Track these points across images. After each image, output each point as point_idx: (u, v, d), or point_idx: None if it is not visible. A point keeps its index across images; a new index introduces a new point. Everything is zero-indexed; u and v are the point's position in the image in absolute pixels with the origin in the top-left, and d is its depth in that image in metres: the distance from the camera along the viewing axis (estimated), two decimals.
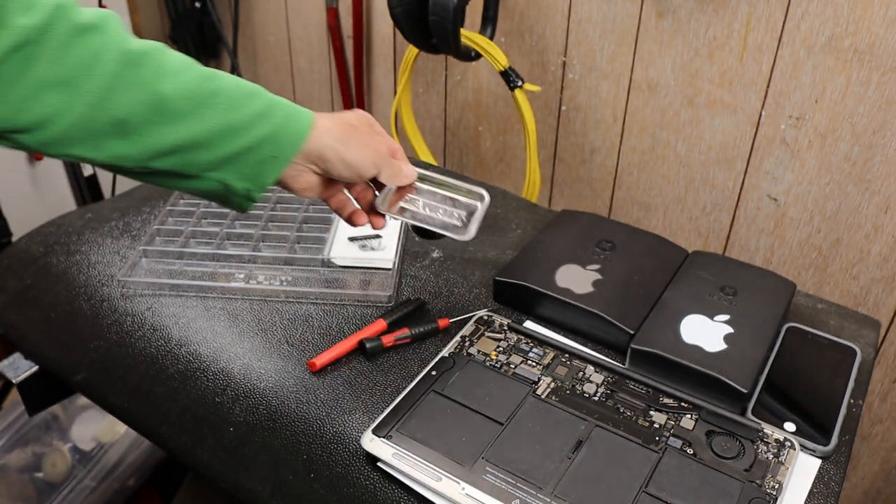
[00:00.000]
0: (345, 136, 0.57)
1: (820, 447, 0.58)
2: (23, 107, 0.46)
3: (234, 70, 1.55)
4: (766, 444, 0.57)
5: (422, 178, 0.65)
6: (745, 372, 0.61)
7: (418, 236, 0.69)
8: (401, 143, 1.39)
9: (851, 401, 0.63)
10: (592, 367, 0.64)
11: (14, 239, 1.48)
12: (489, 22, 1.11)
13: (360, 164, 0.58)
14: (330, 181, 0.60)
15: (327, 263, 0.78)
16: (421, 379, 0.62)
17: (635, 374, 0.63)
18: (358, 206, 0.64)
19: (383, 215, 0.64)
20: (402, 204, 0.64)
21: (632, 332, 0.66)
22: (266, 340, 0.68)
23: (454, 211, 0.64)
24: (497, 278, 0.73)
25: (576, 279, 0.71)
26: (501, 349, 0.66)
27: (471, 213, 0.64)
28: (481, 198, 0.65)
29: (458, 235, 0.63)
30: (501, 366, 0.64)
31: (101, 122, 0.48)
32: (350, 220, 0.64)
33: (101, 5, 1.57)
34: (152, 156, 0.51)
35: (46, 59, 0.46)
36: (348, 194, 0.64)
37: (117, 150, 0.50)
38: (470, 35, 1.05)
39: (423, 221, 0.64)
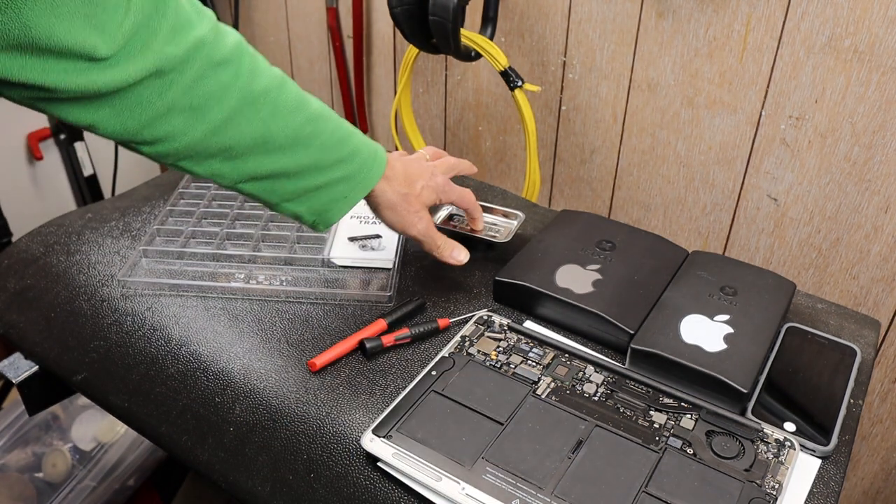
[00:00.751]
0: (394, 205, 0.64)
1: (820, 447, 0.58)
2: (150, 124, 0.51)
3: None
4: (766, 444, 0.57)
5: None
6: (745, 372, 0.61)
7: (464, 245, 0.80)
8: (401, 142, 1.40)
9: (851, 401, 0.63)
10: (592, 367, 0.64)
11: (14, 239, 1.49)
12: (489, 22, 1.11)
13: (395, 230, 0.67)
14: None
15: (327, 263, 0.78)
16: (421, 379, 0.62)
17: (635, 374, 0.63)
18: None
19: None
20: (452, 222, 0.83)
21: (632, 332, 0.66)
22: (266, 340, 0.68)
23: (493, 226, 0.83)
24: (497, 278, 0.73)
25: (576, 279, 0.71)
26: (501, 349, 0.66)
27: (509, 227, 0.83)
28: (517, 216, 0.84)
29: (497, 241, 0.80)
30: (501, 366, 0.64)
31: (211, 146, 0.54)
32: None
33: None
34: (245, 178, 0.56)
35: (181, 88, 0.50)
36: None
37: (217, 169, 0.55)
38: (470, 35, 1.05)
39: (469, 232, 0.81)
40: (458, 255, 0.71)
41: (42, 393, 0.78)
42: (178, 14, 0.49)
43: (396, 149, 1.37)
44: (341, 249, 0.80)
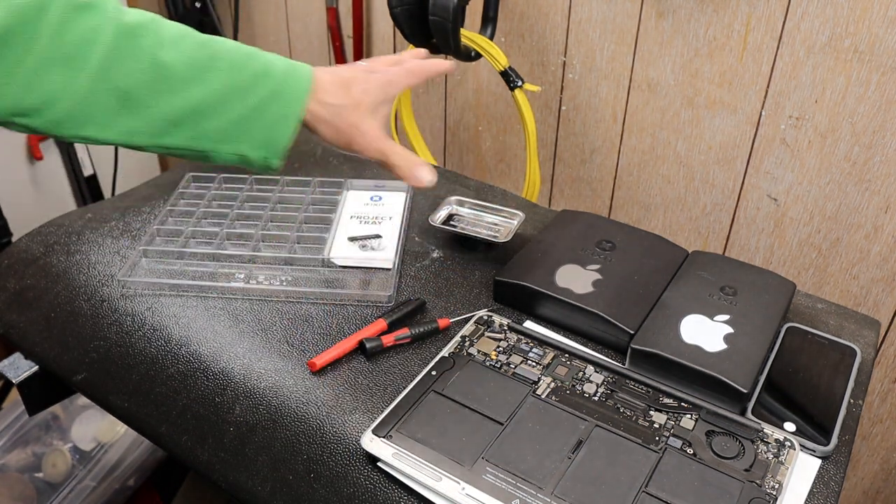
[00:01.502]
0: (328, 120, 0.56)
1: (820, 447, 0.58)
2: (28, 87, 0.47)
3: None
4: (766, 444, 0.57)
5: (468, 204, 0.85)
6: (745, 372, 0.61)
7: (463, 246, 0.82)
8: (401, 142, 1.40)
9: (851, 401, 0.63)
10: (592, 367, 0.64)
11: (14, 239, 1.49)
12: (489, 22, 1.11)
13: (339, 148, 0.59)
14: None
15: (327, 263, 0.78)
16: (421, 379, 0.62)
17: (635, 374, 0.63)
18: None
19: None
20: (452, 221, 0.83)
21: (632, 332, 0.66)
22: (266, 340, 0.68)
23: (493, 226, 0.83)
24: (497, 278, 0.73)
25: (576, 279, 0.71)
26: (501, 349, 0.66)
27: (508, 227, 0.82)
28: (517, 216, 0.83)
29: (497, 241, 0.79)
30: (501, 366, 0.64)
31: (105, 96, 0.49)
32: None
33: None
34: (162, 128, 0.51)
35: (46, 38, 0.47)
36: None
37: (127, 126, 0.50)
38: (470, 35, 1.05)
39: (468, 232, 0.80)
40: (422, 173, 0.59)
41: (42, 393, 0.78)
42: None
43: None
44: (341, 249, 0.80)
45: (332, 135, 0.58)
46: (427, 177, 0.60)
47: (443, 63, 0.66)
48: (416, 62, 0.64)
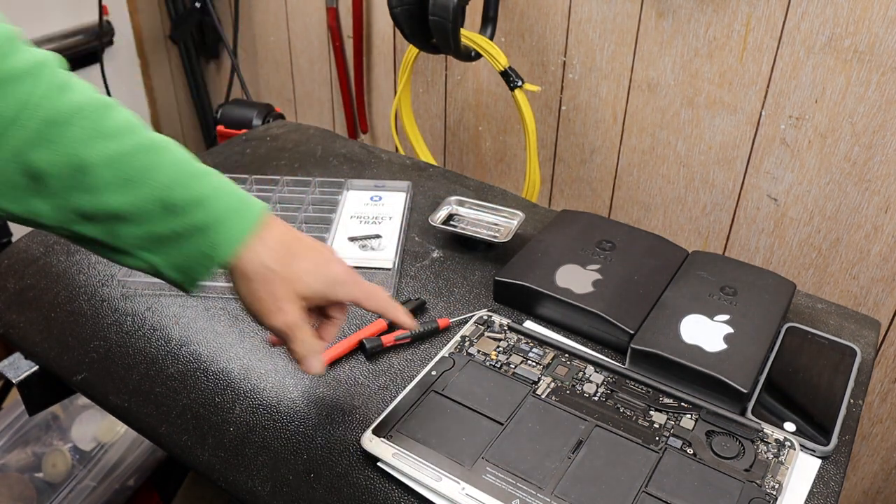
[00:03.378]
0: (251, 278, 0.50)
1: (820, 447, 0.58)
2: None
3: (235, 70, 1.56)
4: (766, 444, 0.57)
5: (468, 204, 0.85)
6: (745, 372, 0.61)
7: (463, 246, 0.83)
8: (401, 142, 1.40)
9: (851, 401, 0.63)
10: (592, 367, 0.64)
11: (14, 239, 1.48)
12: (489, 22, 1.11)
13: (247, 310, 0.53)
14: None
15: None
16: (421, 379, 0.62)
17: (635, 374, 0.63)
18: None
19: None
20: (452, 222, 0.84)
21: (632, 332, 0.66)
22: (266, 340, 0.68)
23: (493, 226, 0.83)
24: (497, 278, 0.73)
25: (576, 279, 0.71)
26: (501, 349, 0.66)
27: (508, 227, 0.82)
28: (517, 216, 0.83)
29: (497, 241, 0.79)
30: (501, 366, 0.64)
31: (15, 173, 0.45)
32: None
33: (101, 5, 1.57)
34: (72, 219, 0.47)
35: None
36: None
37: (34, 206, 0.46)
38: (470, 35, 1.05)
39: (468, 232, 0.81)
40: (312, 364, 0.54)
41: (42, 393, 0.78)
42: None
43: (397, 149, 1.37)
44: (341, 249, 0.80)
45: (247, 294, 0.51)
46: (316, 368, 0.55)
47: (407, 322, 0.59)
48: (385, 297, 0.57)
